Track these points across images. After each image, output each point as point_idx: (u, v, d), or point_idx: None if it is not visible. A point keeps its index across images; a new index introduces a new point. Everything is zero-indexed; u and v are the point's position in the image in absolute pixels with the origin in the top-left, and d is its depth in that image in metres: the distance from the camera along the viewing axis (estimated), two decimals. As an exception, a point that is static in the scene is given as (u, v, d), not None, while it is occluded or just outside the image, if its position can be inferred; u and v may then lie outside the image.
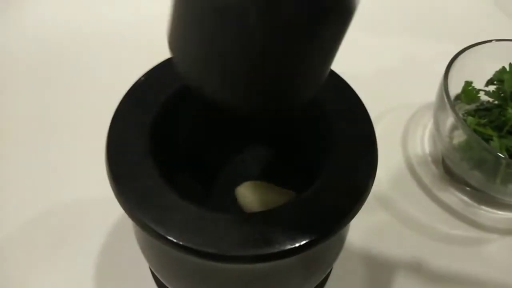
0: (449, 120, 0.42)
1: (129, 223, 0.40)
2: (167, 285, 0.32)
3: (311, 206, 0.25)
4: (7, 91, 0.49)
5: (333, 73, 0.29)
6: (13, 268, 0.39)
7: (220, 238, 0.23)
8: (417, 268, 0.40)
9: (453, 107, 0.40)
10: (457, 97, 0.46)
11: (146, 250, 0.30)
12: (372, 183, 0.26)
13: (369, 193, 0.26)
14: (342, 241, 0.32)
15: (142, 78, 0.29)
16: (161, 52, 0.28)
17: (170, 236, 0.23)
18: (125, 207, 0.24)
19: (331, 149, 0.27)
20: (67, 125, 0.47)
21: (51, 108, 0.48)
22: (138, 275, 0.38)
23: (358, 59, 0.48)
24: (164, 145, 0.27)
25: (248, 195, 0.31)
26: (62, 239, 0.40)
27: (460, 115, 0.44)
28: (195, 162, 0.31)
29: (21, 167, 0.44)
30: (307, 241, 0.24)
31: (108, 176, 0.25)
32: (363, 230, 0.41)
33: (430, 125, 0.48)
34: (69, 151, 0.45)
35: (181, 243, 0.23)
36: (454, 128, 0.43)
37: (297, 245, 0.24)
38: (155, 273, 0.31)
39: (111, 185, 0.25)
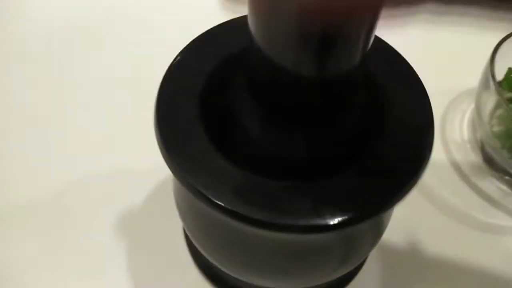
0: (491, 104, 0.41)
1: (164, 193, 0.40)
2: (205, 255, 0.31)
3: (364, 180, 0.24)
4: (39, 60, 0.49)
5: (393, 51, 0.28)
6: (44, 233, 0.39)
7: (271, 205, 0.23)
8: (452, 257, 0.39)
9: (498, 88, 0.39)
10: (499, 84, 0.44)
11: (189, 218, 0.30)
12: (428, 160, 0.25)
13: (424, 171, 0.25)
14: (386, 222, 0.31)
15: (188, 47, 0.29)
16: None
17: (221, 202, 0.23)
18: (175, 171, 0.24)
19: (385, 127, 0.26)
20: (101, 95, 0.47)
21: (89, 77, 0.48)
22: (171, 245, 0.38)
23: (398, 43, 0.47)
24: (213, 111, 0.26)
25: None
26: (95, 206, 0.40)
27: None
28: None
29: (59, 135, 0.44)
30: (359, 214, 0.23)
31: (158, 141, 0.24)
32: (399, 216, 0.40)
33: (469, 111, 0.47)
34: (105, 121, 0.45)
35: (231, 208, 0.22)
36: (496, 113, 0.42)
37: (349, 217, 0.23)
38: (196, 243, 0.31)
39: (160, 150, 0.24)
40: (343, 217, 0.23)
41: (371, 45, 0.23)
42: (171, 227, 0.39)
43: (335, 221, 0.23)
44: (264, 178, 0.24)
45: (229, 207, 0.23)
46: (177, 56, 0.28)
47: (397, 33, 0.51)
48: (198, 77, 0.27)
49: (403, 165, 0.25)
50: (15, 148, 0.43)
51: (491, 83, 0.40)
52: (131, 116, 0.44)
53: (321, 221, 0.23)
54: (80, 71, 0.48)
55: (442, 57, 0.51)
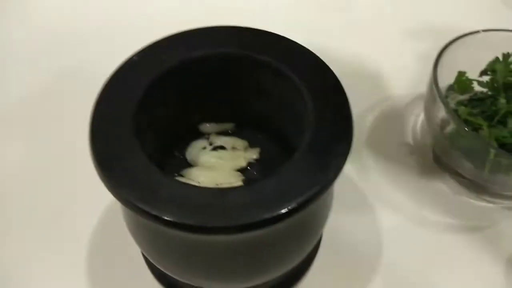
0: (440, 110, 0.43)
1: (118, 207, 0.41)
2: (156, 265, 0.32)
3: (290, 176, 0.26)
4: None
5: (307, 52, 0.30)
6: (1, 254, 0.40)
7: (204, 210, 0.24)
8: (403, 254, 0.41)
9: (442, 98, 0.41)
10: (450, 87, 0.46)
11: (134, 231, 0.31)
12: (349, 151, 0.27)
13: (345, 162, 0.26)
14: (324, 213, 0.33)
15: (132, 59, 0.30)
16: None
17: (154, 212, 0.24)
18: (109, 186, 0.25)
19: (306, 123, 0.28)
20: (55, 110, 0.48)
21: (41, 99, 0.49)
22: (129, 258, 0.39)
23: (353, 47, 0.48)
24: (150, 124, 0.28)
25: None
26: (52, 223, 0.41)
27: (452, 105, 0.44)
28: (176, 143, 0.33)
29: (10, 155, 0.45)
30: (287, 209, 0.25)
31: (92, 156, 0.26)
32: (350, 216, 0.42)
33: (422, 114, 0.48)
34: (57, 138, 0.46)
35: (165, 217, 0.24)
36: (444, 117, 0.44)
37: (278, 213, 0.25)
38: (144, 254, 0.32)
39: (94, 165, 0.26)
40: (272, 213, 0.25)
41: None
42: (129, 238, 0.40)
43: (264, 217, 0.25)
44: (197, 186, 0.25)
45: (163, 216, 0.24)
46: (116, 69, 0.29)
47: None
48: (136, 89, 0.28)
49: (328, 157, 0.26)
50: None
51: (436, 93, 0.41)
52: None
53: (250, 220, 0.24)
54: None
55: (397, 61, 0.53)
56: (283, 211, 0.25)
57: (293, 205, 0.25)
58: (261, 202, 0.25)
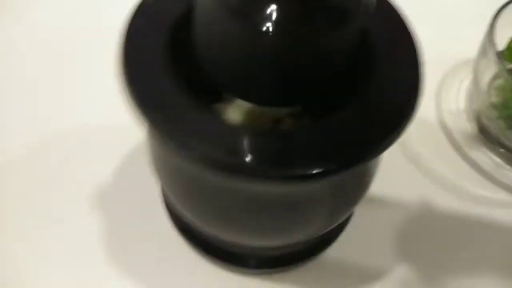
0: (490, 74, 0.40)
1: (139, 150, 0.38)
2: (181, 209, 0.30)
3: (344, 128, 0.23)
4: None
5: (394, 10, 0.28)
6: (16, 193, 0.37)
7: (237, 150, 0.21)
8: (440, 225, 0.38)
9: (497, 57, 0.37)
10: (499, 54, 0.42)
11: (166, 175, 0.28)
12: (416, 107, 0.23)
13: (409, 122, 0.23)
14: (370, 177, 0.29)
15: None
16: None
17: (183, 138, 0.21)
18: (138, 107, 0.22)
19: (373, 80, 0.24)
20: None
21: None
22: (148, 202, 0.37)
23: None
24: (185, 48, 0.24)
25: None
26: (70, 164, 0.39)
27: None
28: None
29: (28, 91, 0.42)
30: (333, 166, 0.22)
31: (122, 72, 0.23)
32: (387, 183, 0.39)
33: (467, 81, 0.45)
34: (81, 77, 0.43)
35: (196, 151, 0.21)
36: (494, 83, 0.41)
37: (321, 169, 0.21)
38: (169, 195, 0.30)
39: (124, 84, 0.23)
40: (316, 168, 0.21)
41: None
42: (148, 189, 0.37)
43: (305, 172, 0.21)
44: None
45: (194, 148, 0.21)
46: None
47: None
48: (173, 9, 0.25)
49: (387, 116, 0.23)
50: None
51: (490, 51, 0.38)
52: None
53: (291, 171, 0.21)
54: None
55: (443, 23, 0.49)
56: (329, 168, 0.21)
57: (341, 162, 0.22)
58: (308, 151, 0.22)
